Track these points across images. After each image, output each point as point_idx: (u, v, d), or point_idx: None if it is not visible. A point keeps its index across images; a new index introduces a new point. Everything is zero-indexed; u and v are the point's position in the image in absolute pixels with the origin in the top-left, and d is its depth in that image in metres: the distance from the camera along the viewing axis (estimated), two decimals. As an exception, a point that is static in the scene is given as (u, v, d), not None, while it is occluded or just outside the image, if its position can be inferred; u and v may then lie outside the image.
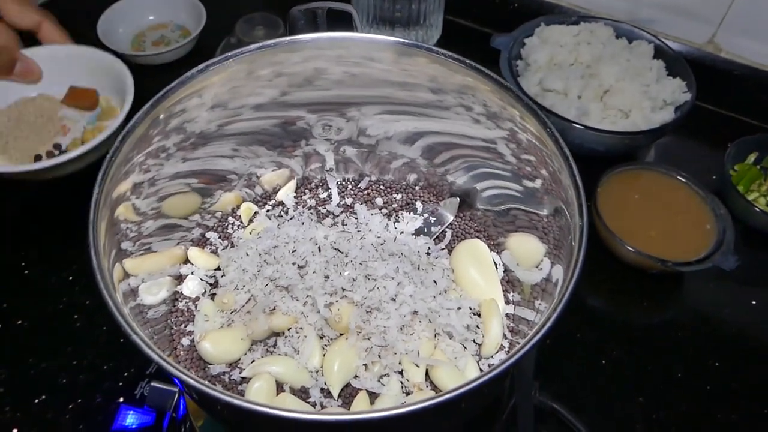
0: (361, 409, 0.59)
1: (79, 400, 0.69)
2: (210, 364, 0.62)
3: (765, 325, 0.79)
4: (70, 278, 0.78)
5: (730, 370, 0.75)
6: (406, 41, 0.61)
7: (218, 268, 0.69)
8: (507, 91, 0.59)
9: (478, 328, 0.64)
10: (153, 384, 0.66)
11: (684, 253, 0.78)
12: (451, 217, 0.75)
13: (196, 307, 0.66)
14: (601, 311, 0.80)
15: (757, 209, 0.83)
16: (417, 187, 0.77)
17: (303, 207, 0.76)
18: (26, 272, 0.79)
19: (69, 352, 0.73)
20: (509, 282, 0.69)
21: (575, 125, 0.84)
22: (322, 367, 0.62)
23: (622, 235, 0.78)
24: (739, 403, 0.73)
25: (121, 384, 0.70)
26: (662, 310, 0.81)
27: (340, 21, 0.85)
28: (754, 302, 0.81)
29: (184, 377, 0.43)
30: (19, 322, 0.75)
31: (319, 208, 0.76)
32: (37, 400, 0.69)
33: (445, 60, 0.61)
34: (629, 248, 0.77)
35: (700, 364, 0.76)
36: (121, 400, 0.68)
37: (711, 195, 0.83)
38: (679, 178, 0.85)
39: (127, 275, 0.56)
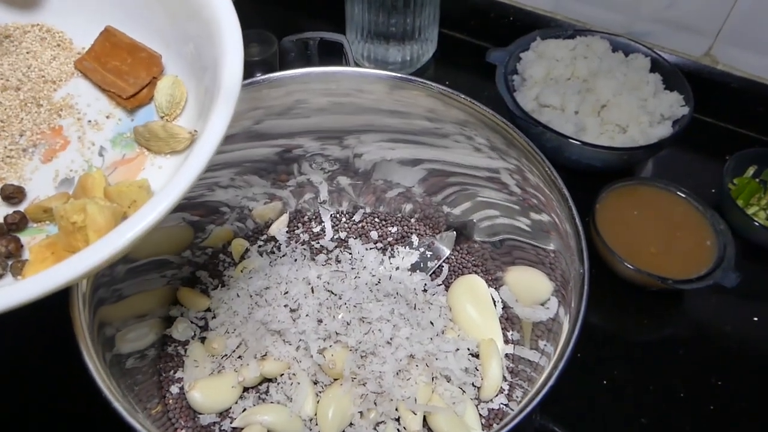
0: (356, 460, 0.53)
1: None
2: (200, 413, 0.56)
3: (767, 341, 0.73)
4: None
5: (732, 388, 0.69)
6: (399, 75, 0.54)
7: (209, 309, 0.62)
8: (505, 130, 0.51)
9: (477, 370, 0.58)
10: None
11: (684, 270, 0.72)
12: (447, 251, 0.68)
13: (185, 351, 0.60)
14: (601, 329, 0.74)
15: (757, 224, 0.77)
16: (413, 220, 0.71)
17: (296, 242, 0.69)
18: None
19: (60, 396, 0.65)
20: (508, 319, 0.63)
21: (572, 141, 0.78)
22: (315, 415, 0.55)
23: (621, 253, 0.72)
24: (743, 421, 0.67)
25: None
26: (663, 328, 0.75)
27: (332, 49, 0.77)
28: (756, 318, 0.75)
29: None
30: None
31: (313, 242, 0.69)
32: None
33: (440, 95, 0.53)
34: (628, 266, 0.71)
35: (703, 383, 0.70)
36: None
37: (710, 210, 0.76)
38: (678, 193, 0.78)
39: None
